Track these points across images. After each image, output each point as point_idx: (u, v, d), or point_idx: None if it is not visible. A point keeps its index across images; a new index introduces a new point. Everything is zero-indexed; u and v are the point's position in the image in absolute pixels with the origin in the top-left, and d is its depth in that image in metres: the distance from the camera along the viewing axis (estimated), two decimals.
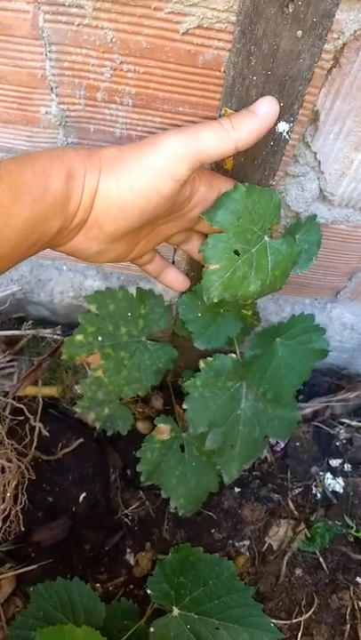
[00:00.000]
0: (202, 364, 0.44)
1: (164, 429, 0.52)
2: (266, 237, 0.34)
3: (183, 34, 0.29)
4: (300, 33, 0.26)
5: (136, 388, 0.48)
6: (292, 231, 0.37)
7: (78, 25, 0.30)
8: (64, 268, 0.59)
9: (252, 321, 0.44)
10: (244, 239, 0.33)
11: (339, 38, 0.29)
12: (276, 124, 0.31)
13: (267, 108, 0.28)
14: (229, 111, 0.30)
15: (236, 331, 0.42)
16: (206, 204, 0.33)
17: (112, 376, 0.48)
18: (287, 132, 0.31)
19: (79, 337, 0.47)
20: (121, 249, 0.33)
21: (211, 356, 0.44)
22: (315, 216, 0.37)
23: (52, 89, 0.34)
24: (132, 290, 0.48)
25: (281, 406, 0.46)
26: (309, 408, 0.70)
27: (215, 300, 0.33)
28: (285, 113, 0.30)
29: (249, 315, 0.43)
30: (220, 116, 0.32)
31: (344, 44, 0.30)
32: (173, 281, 0.40)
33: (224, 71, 0.31)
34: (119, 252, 0.33)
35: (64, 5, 0.29)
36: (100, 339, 0.47)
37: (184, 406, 0.44)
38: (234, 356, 0.44)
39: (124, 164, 0.28)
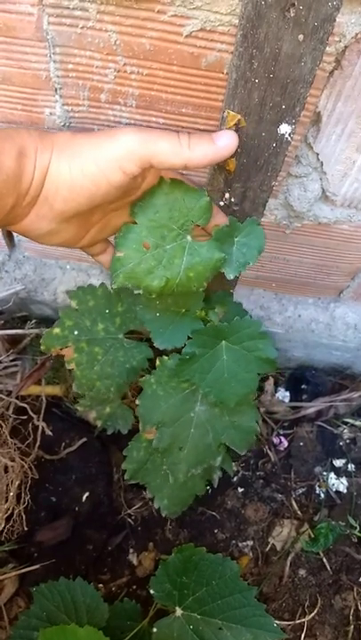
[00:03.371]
0: (157, 362, 0.44)
1: (151, 429, 0.52)
2: (188, 237, 0.34)
3: (186, 36, 0.29)
4: (301, 37, 0.26)
5: (108, 383, 0.49)
6: (227, 233, 0.36)
7: (82, 27, 0.30)
8: (67, 267, 0.59)
9: (210, 322, 0.42)
10: (160, 234, 0.33)
11: (340, 41, 0.29)
12: (278, 126, 0.31)
13: (226, 141, 0.30)
14: (232, 113, 0.31)
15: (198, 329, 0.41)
16: None
17: (85, 370, 0.48)
18: (289, 134, 0.32)
19: (56, 330, 0.48)
20: (72, 231, 0.33)
21: (167, 355, 0.43)
22: (255, 220, 0.37)
23: (56, 90, 0.35)
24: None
25: (239, 414, 0.44)
26: (313, 408, 0.70)
27: (115, 287, 0.34)
28: (287, 115, 0.30)
29: (203, 316, 0.42)
30: (222, 119, 0.32)
31: (346, 47, 0.30)
32: None
33: (227, 73, 0.31)
34: (70, 234, 0.33)
35: (68, 8, 0.29)
36: (75, 333, 0.48)
37: (137, 402, 0.44)
38: None
39: (79, 148, 0.29)
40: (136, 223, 0.34)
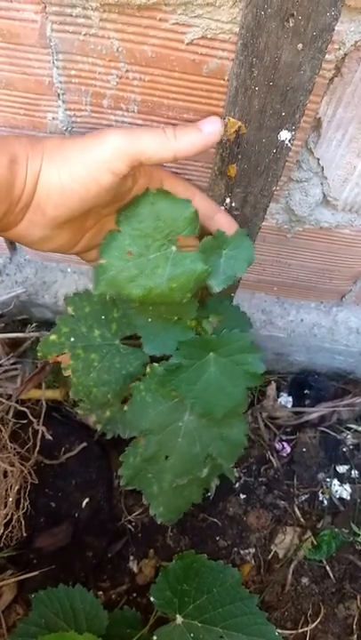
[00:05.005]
0: (147, 369, 0.44)
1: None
2: (173, 247, 0.34)
3: (188, 44, 0.30)
4: (300, 46, 0.27)
5: (104, 390, 0.48)
6: (213, 245, 0.36)
7: (85, 34, 0.30)
8: (69, 270, 0.59)
9: (200, 331, 0.42)
10: (143, 243, 0.34)
11: (340, 49, 0.30)
12: (278, 133, 0.31)
13: (211, 127, 0.30)
14: (232, 120, 0.31)
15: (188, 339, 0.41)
16: None
17: (81, 377, 0.48)
18: (289, 140, 0.32)
19: (53, 337, 0.48)
20: (66, 237, 0.33)
21: (157, 362, 0.43)
22: (243, 231, 0.36)
23: (58, 96, 0.35)
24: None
25: (228, 426, 0.44)
26: (316, 413, 0.70)
27: (96, 293, 0.34)
28: (287, 122, 0.31)
29: (195, 325, 0.42)
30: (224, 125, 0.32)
31: (345, 55, 0.30)
32: None
33: (227, 80, 0.31)
34: (64, 240, 0.33)
35: (71, 16, 0.30)
36: (72, 339, 0.48)
37: (125, 408, 0.44)
38: None
39: (67, 153, 0.29)
40: (120, 231, 0.34)
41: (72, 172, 0.29)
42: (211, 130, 0.30)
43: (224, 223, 0.37)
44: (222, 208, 0.37)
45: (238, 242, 0.36)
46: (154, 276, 0.34)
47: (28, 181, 0.29)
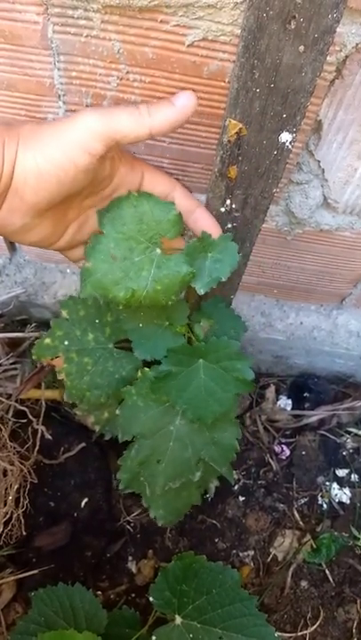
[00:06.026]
0: (139, 373, 0.44)
1: None
2: (158, 250, 0.34)
3: (189, 46, 0.30)
4: (302, 48, 0.27)
5: (97, 394, 0.48)
6: (198, 248, 0.36)
7: (86, 36, 0.31)
8: (68, 271, 0.59)
9: (190, 336, 0.42)
10: (127, 246, 0.34)
11: (341, 51, 0.30)
12: (279, 135, 0.31)
13: (185, 101, 0.29)
14: (233, 122, 0.31)
15: (178, 344, 0.41)
16: (129, 186, 0.34)
17: (74, 380, 0.48)
18: (290, 142, 0.32)
19: (47, 340, 0.48)
20: (47, 228, 0.33)
21: (149, 367, 0.43)
22: (229, 235, 0.36)
23: (59, 97, 0.35)
24: None
25: (220, 430, 0.44)
26: (315, 416, 0.69)
27: (83, 296, 0.34)
28: (288, 124, 0.31)
29: (182, 331, 0.42)
30: (224, 127, 0.32)
31: (346, 57, 0.30)
32: None
33: (228, 82, 0.31)
34: (46, 231, 0.33)
35: (73, 17, 0.30)
36: (66, 343, 0.48)
37: (117, 412, 0.44)
38: None
39: (42, 136, 0.29)
40: (104, 234, 0.34)
41: (48, 155, 0.29)
42: (184, 103, 0.29)
43: (204, 218, 0.36)
44: (203, 204, 0.37)
45: (224, 245, 0.36)
46: (138, 279, 0.34)
47: (4, 167, 0.29)
